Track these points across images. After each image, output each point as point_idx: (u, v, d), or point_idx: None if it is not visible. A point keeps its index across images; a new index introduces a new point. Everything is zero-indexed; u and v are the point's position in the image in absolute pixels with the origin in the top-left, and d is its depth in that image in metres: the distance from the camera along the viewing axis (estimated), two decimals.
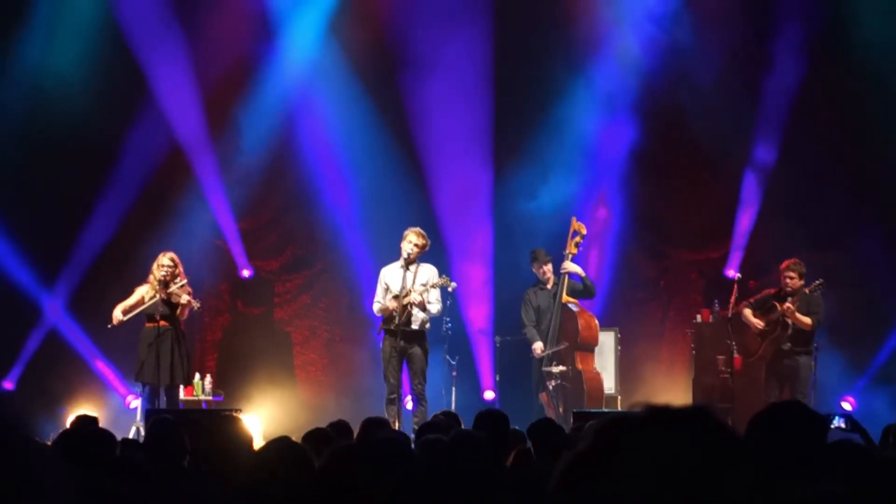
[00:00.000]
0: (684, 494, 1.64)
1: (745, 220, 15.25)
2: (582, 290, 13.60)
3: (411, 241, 12.79)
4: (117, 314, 13.05)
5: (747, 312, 13.25)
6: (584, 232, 13.56)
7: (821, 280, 12.82)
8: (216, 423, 7.06)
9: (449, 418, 8.14)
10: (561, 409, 13.03)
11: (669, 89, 15.47)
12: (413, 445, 6.57)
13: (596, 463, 1.70)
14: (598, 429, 1.74)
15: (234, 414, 10.08)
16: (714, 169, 15.47)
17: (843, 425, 6.41)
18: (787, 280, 12.96)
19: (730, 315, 13.51)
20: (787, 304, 12.82)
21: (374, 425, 7.18)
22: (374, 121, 15.78)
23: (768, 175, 15.15)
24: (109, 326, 13.19)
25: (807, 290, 12.81)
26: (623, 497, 1.66)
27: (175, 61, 15.29)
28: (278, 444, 4.37)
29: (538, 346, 13.50)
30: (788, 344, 12.96)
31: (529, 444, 7.18)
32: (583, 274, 13.60)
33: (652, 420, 1.72)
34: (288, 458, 4.23)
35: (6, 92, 15.01)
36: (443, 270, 13.31)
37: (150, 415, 10.70)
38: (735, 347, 13.51)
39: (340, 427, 7.47)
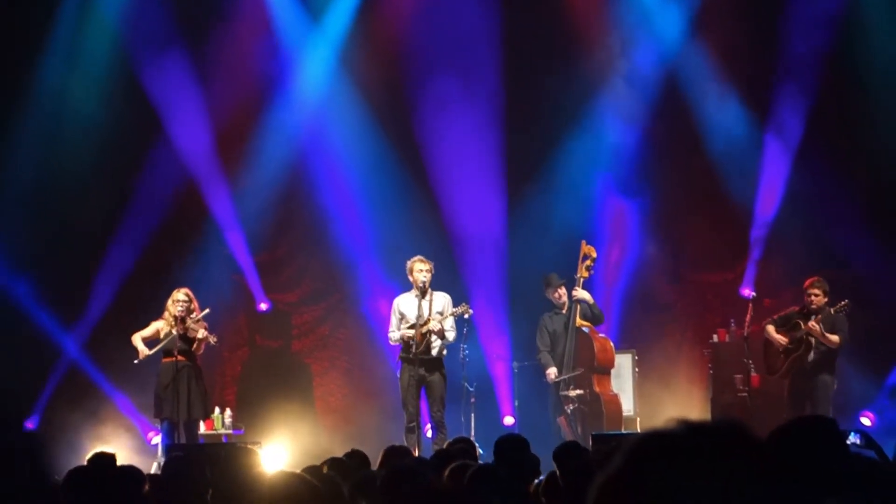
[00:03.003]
0: None
1: (759, 240, 15.25)
2: (591, 317, 13.59)
3: (422, 269, 12.84)
4: (141, 347, 13.08)
5: (770, 329, 13.18)
6: (595, 255, 13.55)
7: (846, 301, 12.76)
8: (230, 456, 7.06)
9: (464, 445, 8.09)
10: (580, 432, 13.02)
11: (681, 111, 15.50)
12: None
13: (630, 483, 1.65)
14: (631, 448, 1.69)
15: (249, 447, 10.09)
16: (727, 190, 15.46)
17: (857, 441, 6.44)
18: (812, 298, 12.86)
19: (746, 334, 13.50)
20: (812, 323, 12.75)
21: (396, 454, 7.18)
22: (387, 152, 15.83)
23: (782, 194, 15.17)
24: (136, 362, 13.20)
25: (832, 310, 12.76)
26: None
27: (187, 97, 15.42)
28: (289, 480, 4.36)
29: (552, 372, 13.48)
30: (811, 361, 12.90)
31: (555, 468, 7.15)
32: (591, 301, 13.57)
33: (686, 437, 1.67)
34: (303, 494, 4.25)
35: (22, 132, 15.15)
36: (458, 298, 13.34)
37: (169, 451, 10.74)
38: (752, 366, 13.50)
39: (356, 456, 7.46)
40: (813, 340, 12.83)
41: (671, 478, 1.62)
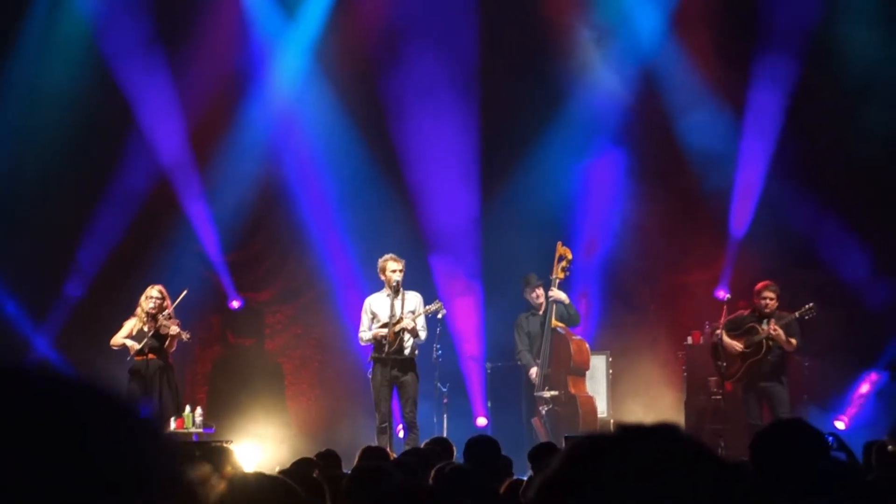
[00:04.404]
0: None
1: (733, 242, 15.24)
2: (566, 318, 13.57)
3: (395, 268, 12.73)
4: (129, 342, 12.92)
5: (725, 336, 13.19)
6: (570, 257, 13.55)
7: (811, 304, 12.80)
8: (207, 456, 6.98)
9: (441, 446, 8.05)
10: (554, 433, 12.98)
11: (656, 114, 15.47)
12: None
13: (567, 484, 1.64)
14: (569, 450, 1.69)
15: (226, 445, 10.01)
16: (702, 191, 15.45)
17: (830, 444, 6.42)
18: (767, 301, 12.94)
19: (711, 337, 13.51)
20: (776, 328, 12.79)
21: (373, 455, 7.15)
22: (361, 149, 15.78)
23: (758, 195, 15.17)
24: (129, 358, 12.97)
25: (796, 314, 12.81)
26: None
27: (161, 92, 15.34)
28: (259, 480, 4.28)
29: (534, 371, 13.48)
30: (768, 367, 12.93)
31: (529, 469, 7.14)
32: (567, 301, 13.56)
33: (622, 438, 1.67)
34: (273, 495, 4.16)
35: None
36: (432, 298, 13.28)
37: None
38: (724, 369, 13.47)
39: (328, 457, 7.43)
40: (771, 344, 12.86)
41: (607, 479, 1.62)
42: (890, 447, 6.85)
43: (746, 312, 13.26)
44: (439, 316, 12.98)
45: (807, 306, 12.79)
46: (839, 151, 14.93)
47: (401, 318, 12.63)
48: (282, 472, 5.77)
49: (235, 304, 15.87)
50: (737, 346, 13.09)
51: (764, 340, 12.89)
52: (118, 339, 13.07)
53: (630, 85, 15.50)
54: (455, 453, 8.09)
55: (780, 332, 12.74)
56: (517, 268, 14.43)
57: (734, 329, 13.19)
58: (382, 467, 5.30)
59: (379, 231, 15.27)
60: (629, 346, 15.32)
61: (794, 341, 12.83)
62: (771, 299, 12.96)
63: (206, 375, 16.01)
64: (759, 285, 13.10)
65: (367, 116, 15.77)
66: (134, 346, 12.95)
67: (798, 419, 4.61)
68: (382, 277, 12.85)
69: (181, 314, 13.43)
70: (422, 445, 8.94)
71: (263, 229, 16.12)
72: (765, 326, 12.88)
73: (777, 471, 4.02)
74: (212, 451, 7.81)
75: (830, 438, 6.48)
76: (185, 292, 13.37)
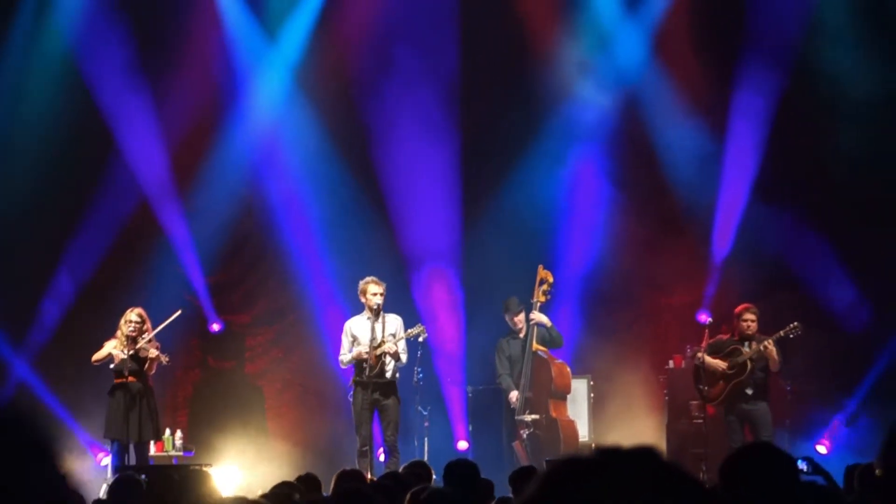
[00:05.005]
0: None
1: (716, 264, 15.25)
2: (549, 341, 13.55)
3: (376, 291, 12.70)
4: (115, 352, 12.86)
5: (707, 357, 13.16)
6: (552, 280, 13.53)
7: (796, 323, 12.83)
8: (185, 479, 6.94)
9: (420, 470, 8.03)
10: (535, 457, 12.96)
11: (639, 135, 15.50)
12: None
13: None
14: (546, 473, 1.69)
15: (204, 469, 9.95)
16: (685, 213, 15.47)
17: (804, 468, 6.44)
18: (750, 324, 12.99)
19: (702, 360, 13.50)
20: (768, 344, 12.76)
21: (349, 478, 7.12)
22: (342, 172, 15.76)
23: (739, 218, 15.19)
24: (112, 367, 12.90)
25: (781, 333, 12.82)
26: None
27: (141, 116, 15.30)
28: None
29: (514, 395, 13.45)
30: (751, 389, 12.92)
31: (510, 492, 7.14)
32: (549, 324, 13.55)
33: (599, 461, 1.67)
34: None
35: None
36: (413, 321, 13.25)
37: (118, 472, 10.59)
38: (706, 392, 13.46)
39: (308, 480, 7.39)
40: (754, 364, 12.86)
41: (584, 501, 1.60)
42: (878, 471, 6.85)
43: (726, 337, 13.27)
44: (420, 339, 12.95)
45: (791, 325, 12.82)
46: (822, 172, 14.97)
47: (382, 342, 12.60)
48: (263, 496, 5.75)
49: (216, 326, 15.81)
50: (720, 364, 13.04)
51: (748, 360, 12.90)
52: (100, 353, 12.99)
53: (613, 104, 15.52)
54: (434, 478, 8.06)
55: (773, 349, 12.74)
56: (499, 290, 14.40)
57: (716, 353, 13.18)
58: (362, 490, 5.28)
59: (360, 253, 15.22)
60: (611, 369, 15.28)
61: (779, 359, 12.86)
62: (752, 321, 12.99)
63: (187, 398, 15.93)
64: (739, 308, 13.12)
65: (349, 138, 15.77)
66: (119, 354, 12.86)
67: (766, 443, 4.61)
68: (363, 300, 12.81)
69: (161, 338, 13.38)
70: (400, 469, 8.93)
71: (244, 252, 16.07)
72: (747, 349, 12.88)
73: (745, 495, 4.02)
74: (190, 475, 7.77)
75: (805, 462, 6.50)
76: (178, 312, 13.34)
